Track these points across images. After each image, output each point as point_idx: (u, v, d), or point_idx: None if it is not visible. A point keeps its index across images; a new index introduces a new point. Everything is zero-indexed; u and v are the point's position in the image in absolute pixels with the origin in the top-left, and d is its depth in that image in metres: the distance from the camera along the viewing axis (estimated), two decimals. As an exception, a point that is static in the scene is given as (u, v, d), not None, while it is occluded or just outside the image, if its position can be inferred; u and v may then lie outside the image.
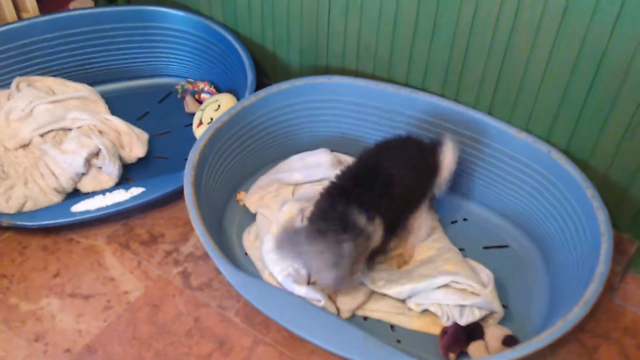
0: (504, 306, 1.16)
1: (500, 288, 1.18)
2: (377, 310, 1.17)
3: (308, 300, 1.10)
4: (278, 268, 1.15)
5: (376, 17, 1.30)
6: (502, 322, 1.14)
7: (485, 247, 1.29)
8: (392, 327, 1.15)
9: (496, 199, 1.33)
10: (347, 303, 1.15)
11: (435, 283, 1.13)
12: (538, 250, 1.27)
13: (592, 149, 1.21)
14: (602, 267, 1.05)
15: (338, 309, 1.15)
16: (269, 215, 1.28)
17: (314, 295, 1.11)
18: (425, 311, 1.15)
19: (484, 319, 1.12)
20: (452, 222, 1.34)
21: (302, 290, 1.12)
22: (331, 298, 1.15)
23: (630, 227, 1.24)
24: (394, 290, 1.15)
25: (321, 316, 1.06)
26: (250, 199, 1.34)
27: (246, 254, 1.26)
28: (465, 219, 1.35)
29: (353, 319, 1.17)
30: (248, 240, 1.28)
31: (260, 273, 1.21)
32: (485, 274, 1.17)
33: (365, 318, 1.17)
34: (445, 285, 1.14)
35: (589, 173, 1.20)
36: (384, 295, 1.17)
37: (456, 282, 1.14)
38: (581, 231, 1.16)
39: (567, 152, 1.23)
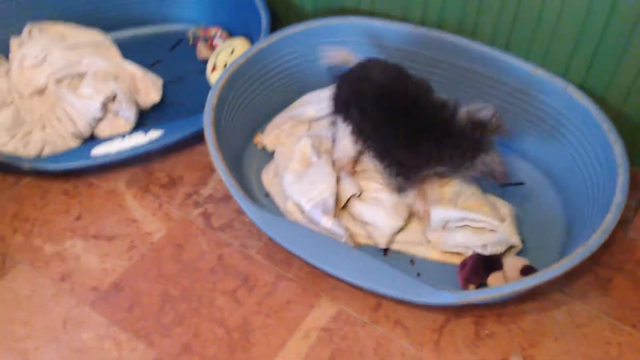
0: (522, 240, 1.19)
1: (517, 222, 1.20)
2: (396, 240, 1.19)
3: (332, 233, 1.13)
4: (305, 198, 1.17)
5: (392, -46, 1.29)
6: (519, 254, 1.17)
7: (501, 185, 1.30)
8: (411, 260, 1.18)
9: (513, 137, 1.34)
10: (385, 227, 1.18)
11: (457, 216, 1.15)
12: (554, 185, 1.28)
13: (607, 84, 1.21)
14: (618, 198, 1.06)
15: (359, 244, 1.18)
16: (286, 152, 1.29)
17: (338, 229, 1.14)
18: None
19: (503, 252, 1.15)
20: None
21: (329, 222, 1.14)
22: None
23: (645, 162, 1.26)
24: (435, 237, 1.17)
25: (343, 250, 1.09)
26: (267, 137, 1.35)
27: (266, 194, 1.28)
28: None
29: (372, 252, 1.19)
30: (267, 178, 1.30)
31: (281, 208, 1.23)
32: (507, 209, 1.19)
33: (385, 251, 1.19)
34: (463, 226, 1.16)
35: (605, 107, 1.20)
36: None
37: (474, 221, 1.16)
38: (597, 164, 1.17)
39: (583, 88, 1.23)
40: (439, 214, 1.17)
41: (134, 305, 1.11)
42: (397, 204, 1.19)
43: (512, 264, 1.12)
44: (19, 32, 1.51)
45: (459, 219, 1.16)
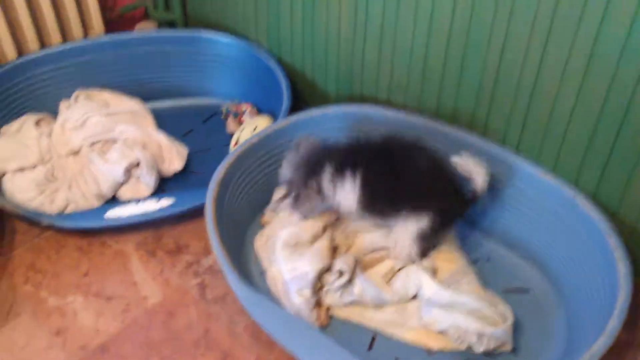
0: (513, 349, 1.13)
1: (515, 330, 1.14)
2: (374, 319, 1.18)
3: (299, 313, 1.15)
4: (288, 266, 1.19)
5: (408, 50, 1.32)
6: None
7: (505, 290, 1.25)
8: (397, 359, 1.14)
9: (520, 239, 1.30)
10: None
11: (457, 300, 1.13)
12: (559, 297, 1.22)
13: (621, 196, 1.16)
14: (614, 321, 1.00)
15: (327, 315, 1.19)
16: (283, 219, 1.33)
17: (305, 311, 1.15)
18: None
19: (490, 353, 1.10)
20: (474, 261, 1.31)
21: (298, 300, 1.15)
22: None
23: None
24: (427, 318, 1.15)
25: (326, 345, 1.05)
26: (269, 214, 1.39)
27: (261, 273, 1.29)
28: (488, 259, 1.31)
29: (357, 332, 1.18)
30: (260, 241, 1.33)
31: (266, 272, 1.26)
32: (505, 307, 1.15)
33: (371, 343, 1.17)
34: (467, 310, 1.13)
35: (618, 221, 1.15)
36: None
37: (478, 310, 1.13)
38: (600, 281, 1.11)
39: (594, 198, 1.18)
40: (433, 288, 1.15)
41: (113, 369, 1.14)
42: None
43: (495, 376, 1.06)
44: (69, 96, 1.66)
45: (453, 302, 1.14)
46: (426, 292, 1.15)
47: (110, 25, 1.81)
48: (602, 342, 0.97)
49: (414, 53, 1.32)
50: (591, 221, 1.15)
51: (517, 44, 1.15)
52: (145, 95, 1.73)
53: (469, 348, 1.11)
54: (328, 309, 1.20)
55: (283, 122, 1.40)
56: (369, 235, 1.29)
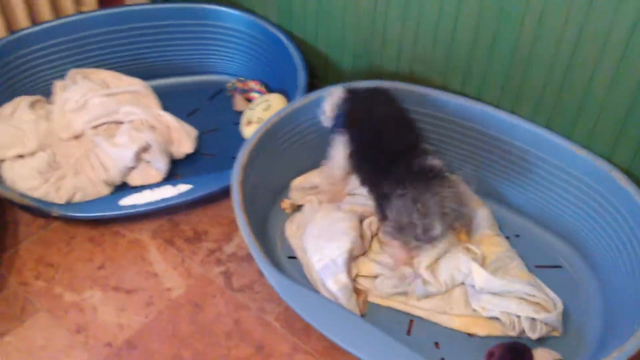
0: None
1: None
2: (420, 307, 1.15)
3: (336, 298, 1.11)
4: (317, 256, 1.16)
5: (434, 22, 1.27)
6: (553, 345, 1.09)
7: (537, 266, 1.24)
8: (436, 343, 1.12)
9: (551, 215, 1.28)
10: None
11: (510, 289, 1.10)
12: (592, 272, 1.21)
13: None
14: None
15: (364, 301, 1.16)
16: (315, 205, 1.29)
17: (343, 296, 1.11)
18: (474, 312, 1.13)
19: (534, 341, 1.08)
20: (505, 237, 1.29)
21: (334, 286, 1.12)
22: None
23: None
24: (476, 304, 1.13)
25: (364, 328, 1.03)
26: (296, 195, 1.34)
27: (289, 257, 1.25)
28: (517, 235, 1.30)
29: (395, 317, 1.16)
30: (290, 229, 1.29)
31: (300, 260, 1.22)
32: (553, 294, 1.14)
33: (409, 327, 1.14)
34: (519, 296, 1.11)
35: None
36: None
37: (531, 295, 1.10)
38: (638, 257, 1.10)
39: (629, 173, 1.17)
40: (484, 277, 1.12)
41: (145, 367, 1.09)
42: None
43: (543, 357, 1.05)
44: (63, 76, 1.55)
45: (505, 290, 1.11)
46: (477, 281, 1.12)
47: (103, -1, 1.70)
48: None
49: (440, 25, 1.27)
50: (628, 195, 1.13)
51: (555, 13, 1.11)
52: (144, 73, 1.63)
53: (522, 333, 1.09)
54: (366, 296, 1.17)
55: (303, 99, 1.33)
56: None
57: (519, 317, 1.08)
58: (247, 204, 1.17)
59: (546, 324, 1.08)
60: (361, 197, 1.29)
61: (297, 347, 1.12)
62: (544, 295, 1.10)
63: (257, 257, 1.10)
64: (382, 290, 1.16)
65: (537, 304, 1.09)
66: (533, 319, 1.08)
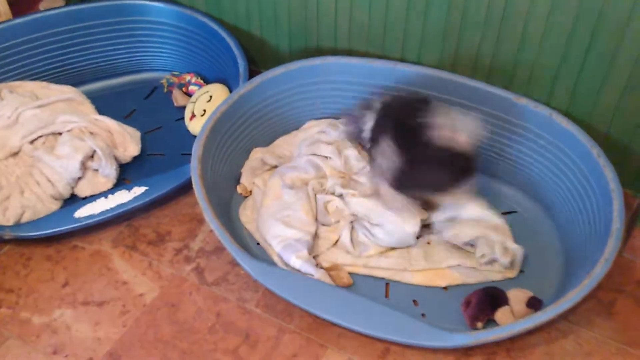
0: (521, 270, 1.19)
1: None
2: (380, 267, 1.20)
3: (302, 273, 1.14)
4: (276, 240, 1.18)
5: (367, -7, 1.29)
6: (519, 285, 1.16)
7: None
8: (414, 301, 1.16)
9: (499, 166, 1.34)
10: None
11: (484, 217, 1.21)
12: (546, 214, 1.29)
13: (591, 109, 1.23)
14: (617, 223, 1.07)
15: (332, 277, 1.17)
16: (262, 187, 1.30)
17: (308, 269, 1.14)
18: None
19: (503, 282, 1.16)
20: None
21: (297, 262, 1.14)
22: None
23: (632, 183, 1.27)
24: (450, 234, 1.20)
25: (344, 297, 1.06)
26: (246, 179, 1.33)
27: (257, 243, 1.25)
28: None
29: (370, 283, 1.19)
30: (245, 215, 1.29)
31: (262, 245, 1.24)
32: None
33: (386, 290, 1.18)
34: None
35: (591, 133, 1.21)
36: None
37: (501, 226, 1.22)
38: (590, 191, 1.17)
39: (568, 114, 1.24)
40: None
41: (133, 375, 1.06)
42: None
43: (517, 297, 1.11)
44: (-15, 93, 1.46)
45: (480, 217, 1.22)
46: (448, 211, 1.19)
47: (13, 8, 1.60)
48: (612, 245, 1.04)
49: (372, -4, 1.29)
50: (571, 136, 1.20)
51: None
52: (73, 79, 1.56)
53: (491, 262, 1.17)
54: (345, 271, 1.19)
55: (247, 86, 1.32)
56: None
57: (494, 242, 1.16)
58: (210, 196, 1.16)
59: (515, 252, 1.16)
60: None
61: (282, 329, 1.13)
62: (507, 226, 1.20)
63: (229, 247, 1.10)
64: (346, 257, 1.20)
65: (505, 232, 1.19)
66: (505, 247, 1.16)
